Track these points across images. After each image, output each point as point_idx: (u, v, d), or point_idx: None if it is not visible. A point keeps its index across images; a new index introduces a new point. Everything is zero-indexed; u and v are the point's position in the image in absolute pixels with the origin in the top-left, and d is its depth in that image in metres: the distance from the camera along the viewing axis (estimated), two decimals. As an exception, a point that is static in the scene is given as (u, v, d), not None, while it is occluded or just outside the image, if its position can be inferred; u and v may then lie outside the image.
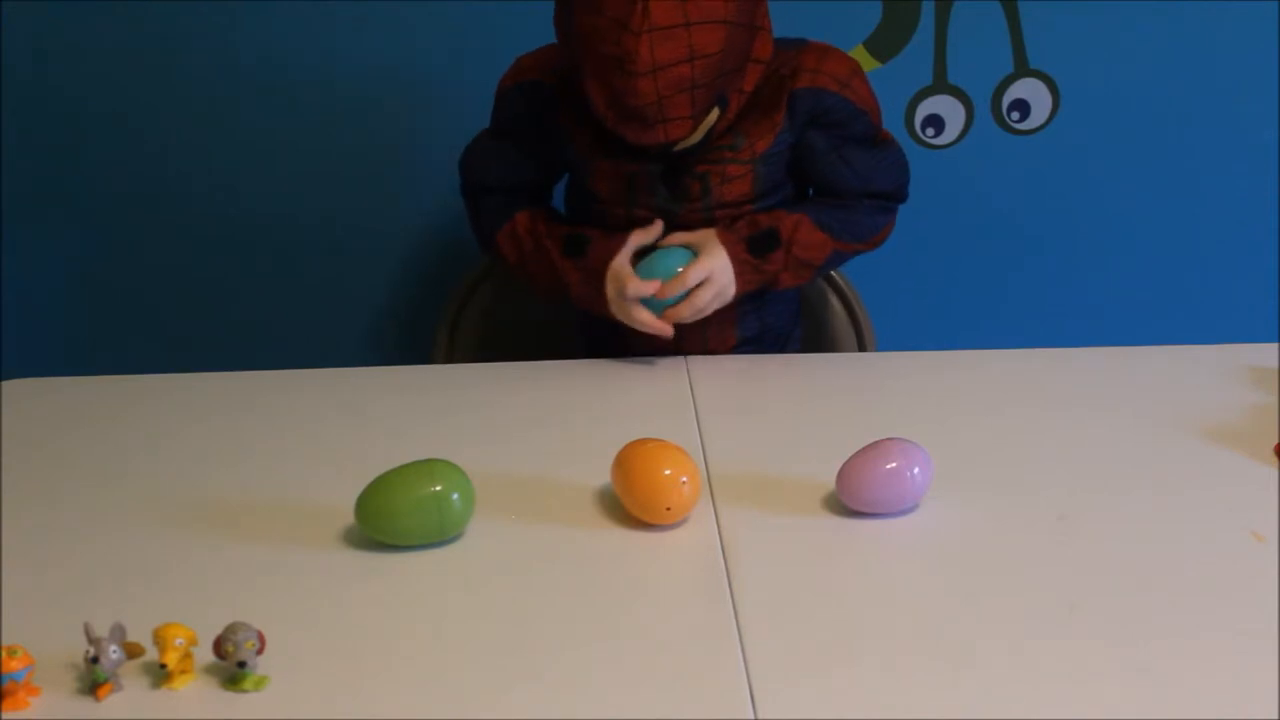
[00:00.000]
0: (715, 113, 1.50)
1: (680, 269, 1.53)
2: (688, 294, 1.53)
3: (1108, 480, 1.27)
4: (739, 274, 1.55)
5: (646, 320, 1.54)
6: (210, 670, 0.96)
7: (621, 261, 1.54)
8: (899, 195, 1.67)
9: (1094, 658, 0.97)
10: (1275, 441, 1.33)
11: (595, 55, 1.43)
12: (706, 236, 1.56)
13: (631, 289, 1.53)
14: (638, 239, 1.57)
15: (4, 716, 0.91)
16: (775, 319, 1.70)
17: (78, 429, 1.42)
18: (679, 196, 1.58)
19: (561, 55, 1.57)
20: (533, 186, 1.70)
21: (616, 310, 1.56)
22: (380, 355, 2.25)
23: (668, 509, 1.16)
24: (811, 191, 1.68)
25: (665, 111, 1.43)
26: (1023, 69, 2.11)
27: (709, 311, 1.55)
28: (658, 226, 1.57)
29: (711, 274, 1.53)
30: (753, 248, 1.56)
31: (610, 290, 1.55)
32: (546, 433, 1.40)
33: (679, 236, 1.57)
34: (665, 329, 1.55)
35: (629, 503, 1.18)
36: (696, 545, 1.15)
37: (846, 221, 1.62)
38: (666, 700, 0.93)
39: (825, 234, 1.60)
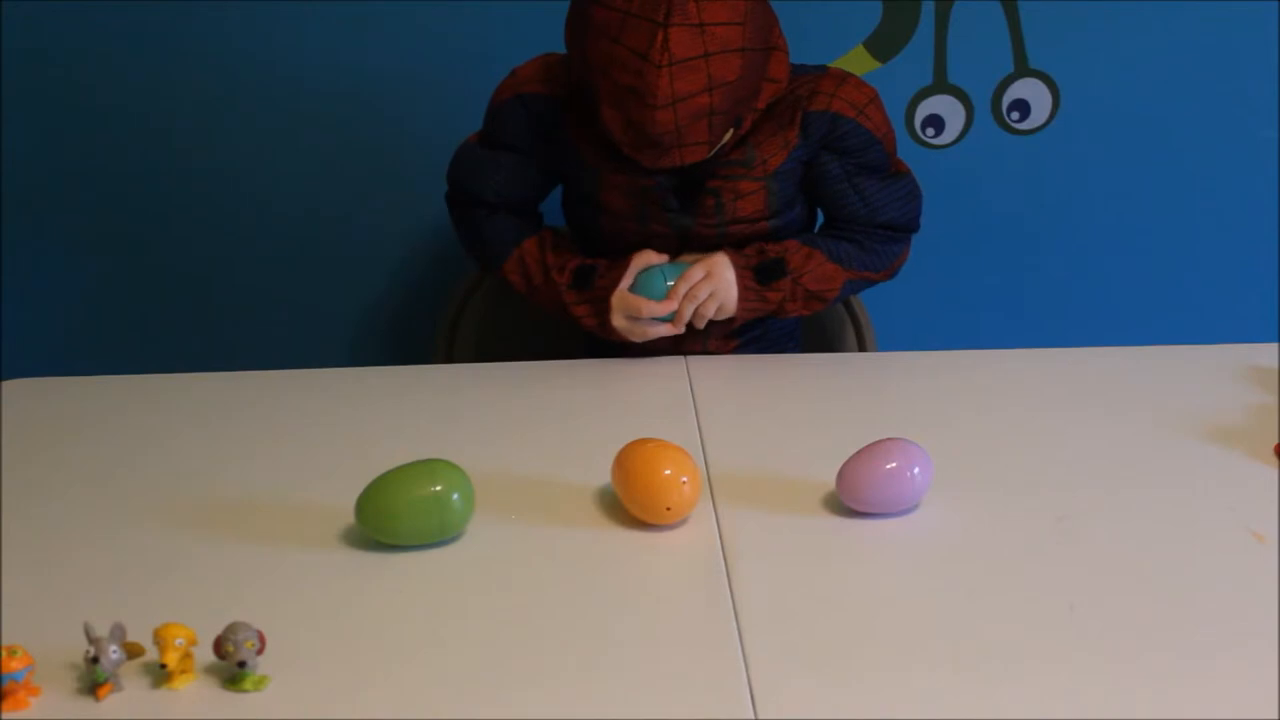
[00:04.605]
0: (730, 133, 1.50)
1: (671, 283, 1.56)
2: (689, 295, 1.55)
3: (1108, 480, 1.27)
4: (742, 297, 1.56)
5: (661, 333, 1.57)
6: (210, 670, 0.96)
7: (624, 291, 1.56)
8: (910, 226, 1.68)
9: (1094, 658, 0.97)
10: (1275, 441, 1.33)
11: (612, 84, 1.41)
12: (713, 254, 1.57)
13: (647, 310, 1.55)
14: (639, 263, 1.58)
15: (4, 716, 0.91)
16: (776, 319, 1.70)
17: (78, 429, 1.42)
18: (692, 211, 1.58)
19: (568, 70, 1.56)
20: (528, 201, 1.68)
21: (628, 333, 1.58)
22: (380, 356, 2.25)
23: (668, 509, 1.16)
24: (821, 218, 1.68)
25: (683, 138, 1.43)
26: (1023, 69, 2.11)
27: (707, 315, 1.56)
28: (660, 256, 1.59)
29: (711, 269, 1.54)
30: (759, 275, 1.57)
31: (619, 320, 1.57)
32: (546, 433, 1.40)
33: (687, 259, 1.58)
34: (678, 329, 1.57)
35: (629, 503, 1.18)
36: (696, 545, 1.15)
37: (859, 253, 1.63)
38: (666, 700, 0.93)
39: (837, 265, 1.61)
